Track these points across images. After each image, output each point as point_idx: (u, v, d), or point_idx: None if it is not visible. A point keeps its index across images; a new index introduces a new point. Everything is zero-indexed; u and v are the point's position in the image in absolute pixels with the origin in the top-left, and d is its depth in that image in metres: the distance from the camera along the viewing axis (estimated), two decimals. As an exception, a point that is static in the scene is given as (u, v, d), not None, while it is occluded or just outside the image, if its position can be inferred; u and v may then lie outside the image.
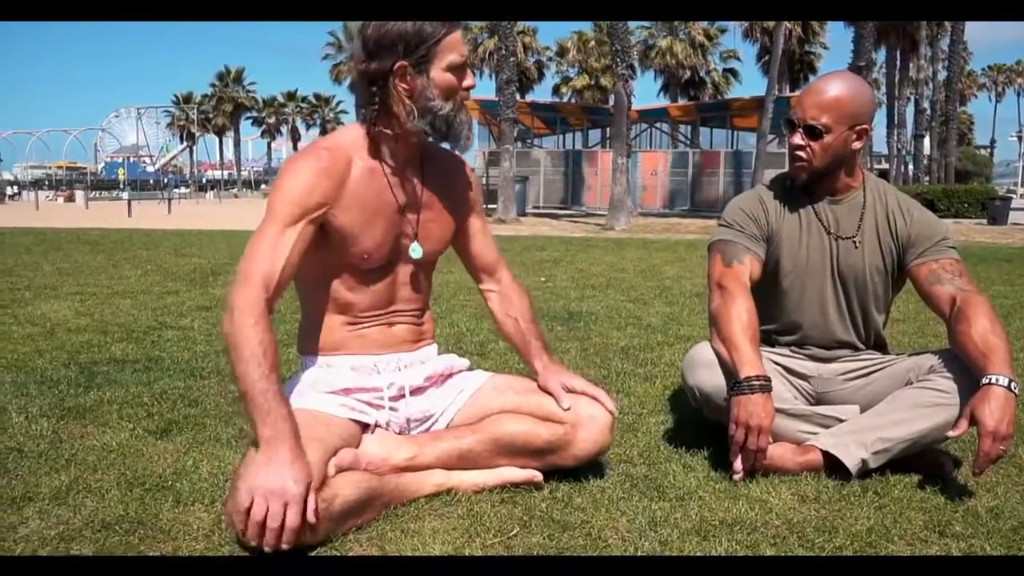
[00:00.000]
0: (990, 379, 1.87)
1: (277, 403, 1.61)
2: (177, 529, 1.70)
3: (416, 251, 1.93)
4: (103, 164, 67.94)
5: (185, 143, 68.62)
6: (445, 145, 1.97)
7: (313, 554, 1.60)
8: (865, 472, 2.03)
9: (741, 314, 2.09)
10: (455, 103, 1.81)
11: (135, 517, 1.75)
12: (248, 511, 1.51)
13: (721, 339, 2.11)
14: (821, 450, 2.06)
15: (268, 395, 1.60)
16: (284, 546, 1.53)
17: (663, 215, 23.84)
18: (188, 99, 64.29)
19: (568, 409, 1.91)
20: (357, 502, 1.68)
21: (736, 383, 2.00)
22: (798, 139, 2.15)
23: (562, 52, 49.77)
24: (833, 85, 2.14)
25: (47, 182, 54.89)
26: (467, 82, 1.82)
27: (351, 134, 1.86)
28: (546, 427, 1.91)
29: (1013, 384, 1.87)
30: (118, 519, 1.73)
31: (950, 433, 1.92)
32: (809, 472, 2.05)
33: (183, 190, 46.97)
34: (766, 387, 1.98)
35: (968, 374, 1.97)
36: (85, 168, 66.98)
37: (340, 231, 1.81)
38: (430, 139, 1.87)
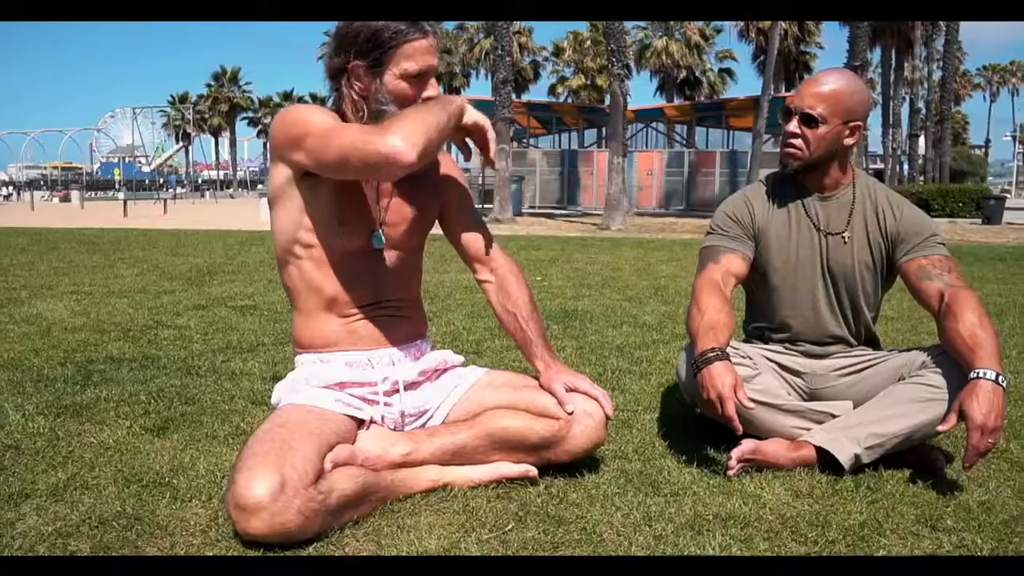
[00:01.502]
0: (978, 374, 1.89)
1: (436, 106, 1.77)
2: (174, 525, 1.71)
3: (378, 239, 1.92)
4: (99, 164, 67.92)
5: (181, 143, 68.59)
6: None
7: (310, 549, 1.61)
8: (858, 467, 2.04)
9: (704, 309, 2.14)
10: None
11: (132, 513, 1.76)
12: None
13: (689, 336, 2.17)
14: (814, 446, 2.07)
15: (431, 110, 1.74)
16: None
17: (659, 215, 23.87)
18: (184, 99, 64.32)
19: (572, 413, 1.93)
20: (354, 496, 1.69)
21: (694, 362, 2.05)
22: (793, 126, 2.18)
23: (558, 52, 49.87)
24: (832, 79, 2.19)
25: (43, 182, 54.83)
26: (428, 91, 1.82)
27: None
28: (541, 423, 1.92)
29: (1001, 378, 1.88)
30: (115, 515, 1.74)
31: (939, 427, 1.93)
32: (803, 467, 2.07)
33: (180, 190, 46.90)
34: (721, 355, 2.01)
35: (959, 369, 1.98)
36: (81, 168, 66.96)
37: (326, 191, 1.83)
38: None
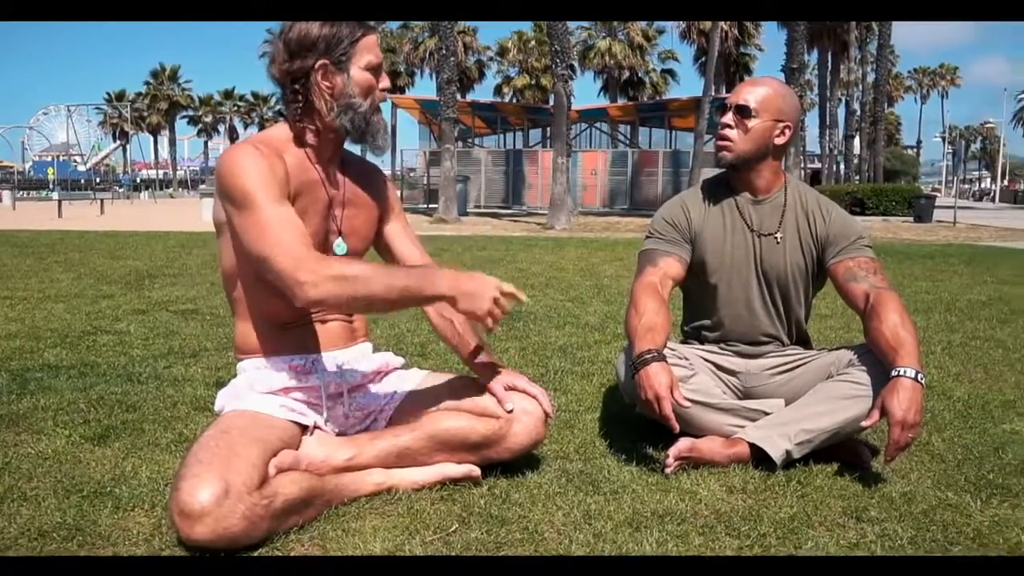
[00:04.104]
0: (899, 372, 1.98)
1: (418, 274, 1.80)
2: (117, 535, 1.71)
3: (340, 247, 1.97)
4: (31, 163, 65.85)
5: (118, 142, 66.94)
6: (364, 149, 2.03)
7: (255, 554, 1.62)
8: (789, 462, 2.13)
9: (642, 311, 2.21)
10: (372, 103, 1.90)
11: (73, 524, 1.74)
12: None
13: (627, 338, 2.24)
14: (748, 442, 2.15)
15: (409, 277, 1.78)
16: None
17: (603, 214, 24.11)
18: (121, 97, 62.82)
19: (511, 411, 1.97)
20: (298, 500, 1.71)
21: (632, 363, 2.12)
22: (728, 118, 2.28)
23: (502, 52, 49.98)
24: (766, 81, 2.35)
25: (-30, 182, 52.95)
26: (383, 83, 1.91)
27: (278, 132, 1.93)
28: (482, 422, 1.96)
29: (920, 376, 1.98)
30: (55, 527, 1.73)
31: (864, 423, 2.03)
32: (737, 464, 2.14)
33: (118, 189, 45.76)
34: (657, 356, 2.08)
35: (883, 367, 2.08)
36: (12, 167, 64.80)
37: None
38: (348, 137, 1.93)
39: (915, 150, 77.85)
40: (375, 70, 1.89)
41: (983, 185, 75.82)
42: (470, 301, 1.76)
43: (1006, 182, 63.58)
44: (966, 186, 71.77)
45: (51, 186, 44.02)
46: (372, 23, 1.89)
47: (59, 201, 22.01)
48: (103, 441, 2.33)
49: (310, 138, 1.91)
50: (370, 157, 2.10)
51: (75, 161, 66.89)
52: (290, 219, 1.76)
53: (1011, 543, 1.73)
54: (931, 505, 1.92)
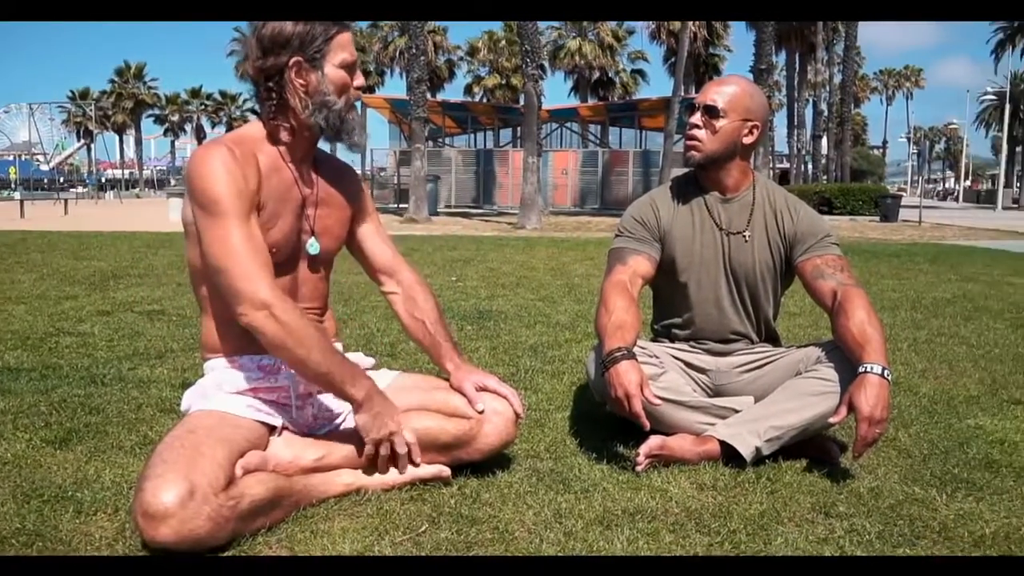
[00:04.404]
0: (865, 368, 2.00)
1: (351, 367, 1.84)
2: (78, 540, 1.67)
3: (313, 247, 1.95)
4: (-8, 163, 64.57)
5: (82, 141, 65.91)
6: (330, 146, 2.02)
7: (222, 555, 1.59)
8: (759, 459, 2.14)
9: (612, 309, 2.22)
10: (347, 100, 1.88)
11: (33, 529, 1.70)
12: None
13: (597, 336, 2.24)
14: (718, 440, 2.16)
15: (343, 364, 1.82)
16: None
17: (574, 213, 24.17)
18: (85, 95, 61.81)
19: (482, 412, 1.97)
20: (266, 501, 1.68)
21: (602, 362, 2.12)
22: (696, 118, 2.29)
23: (473, 52, 49.90)
24: (733, 80, 2.35)
25: (-72, 181, 51.87)
26: (358, 81, 1.90)
27: (252, 130, 1.90)
28: (452, 422, 1.95)
29: (886, 372, 2.00)
30: (14, 532, 1.69)
31: (831, 419, 2.05)
32: (707, 461, 2.15)
33: (80, 189, 45.05)
34: (627, 354, 2.09)
35: (850, 363, 2.09)
36: (-29, 167, 63.52)
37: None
38: (323, 136, 1.91)
39: (881, 150, 79.09)
40: (350, 68, 1.87)
41: (947, 185, 77.24)
42: (371, 420, 1.84)
43: (969, 182, 64.77)
44: (931, 186, 72.99)
45: (13, 186, 43.20)
46: (344, 22, 1.87)
47: (21, 201, 21.59)
48: (65, 444, 2.28)
49: (284, 136, 1.88)
50: (345, 155, 2.09)
51: (38, 160, 65.65)
52: (253, 239, 1.75)
53: (975, 536, 1.75)
54: (898, 500, 1.94)
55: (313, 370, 1.77)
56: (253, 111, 1.93)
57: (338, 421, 2.00)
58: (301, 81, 1.83)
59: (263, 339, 1.74)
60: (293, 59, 1.80)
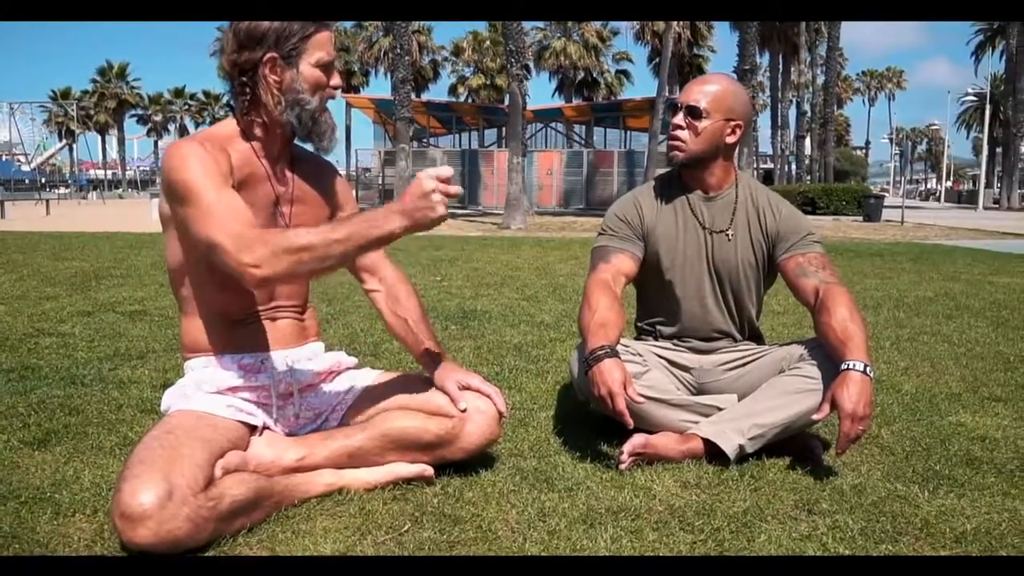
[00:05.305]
0: (848, 365, 2.01)
1: (365, 219, 1.67)
2: (56, 541, 1.65)
3: None
4: (-28, 163, 63.94)
5: (64, 141, 65.43)
6: (310, 147, 1.99)
7: (202, 555, 1.58)
8: (742, 457, 2.14)
9: (595, 307, 2.21)
10: (321, 100, 1.86)
11: (9, 532, 1.68)
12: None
13: (580, 334, 2.23)
14: (702, 438, 2.15)
15: (358, 225, 1.65)
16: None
17: (558, 214, 24.19)
18: (66, 95, 61.36)
19: (465, 410, 1.95)
20: (246, 501, 1.67)
21: (585, 360, 2.11)
22: (679, 119, 2.28)
23: (457, 52, 49.88)
24: (715, 79, 2.34)
25: (-93, 181, 51.24)
26: (334, 81, 1.87)
27: (225, 126, 1.88)
28: (435, 422, 1.94)
29: (868, 369, 2.00)
30: (-9, 534, 1.67)
31: (814, 416, 2.05)
32: (691, 459, 2.15)
33: (62, 190, 44.66)
34: (610, 352, 2.08)
35: (832, 361, 2.10)
36: (-49, 167, 62.91)
37: None
38: (295, 136, 1.89)
39: (864, 151, 79.58)
40: (326, 67, 1.84)
41: (929, 185, 77.77)
42: (422, 213, 1.64)
43: (951, 183, 65.24)
44: (913, 186, 73.57)
45: (-7, 186, 42.79)
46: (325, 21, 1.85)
47: (2, 201, 21.36)
48: (43, 445, 2.25)
49: (258, 132, 1.86)
50: (329, 155, 2.06)
51: (19, 161, 65.07)
52: (232, 202, 1.70)
53: (957, 532, 1.76)
54: (880, 497, 1.95)
55: (352, 254, 1.68)
56: (229, 106, 1.91)
57: (320, 421, 1.98)
58: (275, 78, 1.81)
59: (283, 281, 1.72)
60: (267, 55, 1.79)
